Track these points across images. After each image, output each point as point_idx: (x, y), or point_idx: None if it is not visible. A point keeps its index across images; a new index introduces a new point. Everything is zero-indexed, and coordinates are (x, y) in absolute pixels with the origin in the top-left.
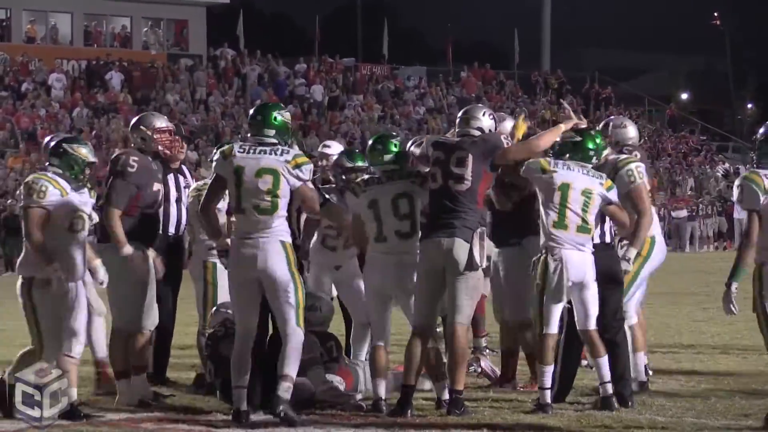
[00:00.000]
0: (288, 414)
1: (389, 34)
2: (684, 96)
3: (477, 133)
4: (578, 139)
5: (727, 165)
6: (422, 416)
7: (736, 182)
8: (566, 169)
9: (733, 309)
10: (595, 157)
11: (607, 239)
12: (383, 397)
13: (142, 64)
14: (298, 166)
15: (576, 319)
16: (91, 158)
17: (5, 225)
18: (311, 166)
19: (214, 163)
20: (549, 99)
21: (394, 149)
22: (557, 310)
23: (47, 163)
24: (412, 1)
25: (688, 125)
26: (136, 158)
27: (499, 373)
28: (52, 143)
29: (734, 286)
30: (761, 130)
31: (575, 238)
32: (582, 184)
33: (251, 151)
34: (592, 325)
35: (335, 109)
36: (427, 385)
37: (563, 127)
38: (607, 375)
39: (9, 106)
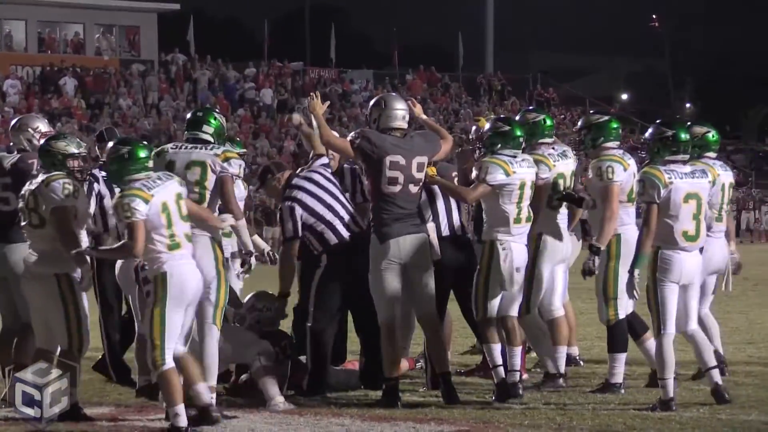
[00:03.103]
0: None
1: (336, 38)
2: (624, 96)
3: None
4: (506, 128)
5: None
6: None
7: (636, 177)
8: (520, 167)
9: (635, 294)
10: (524, 144)
11: (458, 230)
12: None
13: (95, 69)
14: (227, 160)
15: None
16: (72, 150)
17: None
18: (241, 162)
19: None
20: (493, 101)
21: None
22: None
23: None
24: (359, 6)
25: (628, 125)
26: None
27: None
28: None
29: (636, 272)
30: (649, 131)
31: (525, 228)
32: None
33: (183, 147)
34: (514, 312)
35: (284, 112)
36: None
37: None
38: (516, 364)
39: None
